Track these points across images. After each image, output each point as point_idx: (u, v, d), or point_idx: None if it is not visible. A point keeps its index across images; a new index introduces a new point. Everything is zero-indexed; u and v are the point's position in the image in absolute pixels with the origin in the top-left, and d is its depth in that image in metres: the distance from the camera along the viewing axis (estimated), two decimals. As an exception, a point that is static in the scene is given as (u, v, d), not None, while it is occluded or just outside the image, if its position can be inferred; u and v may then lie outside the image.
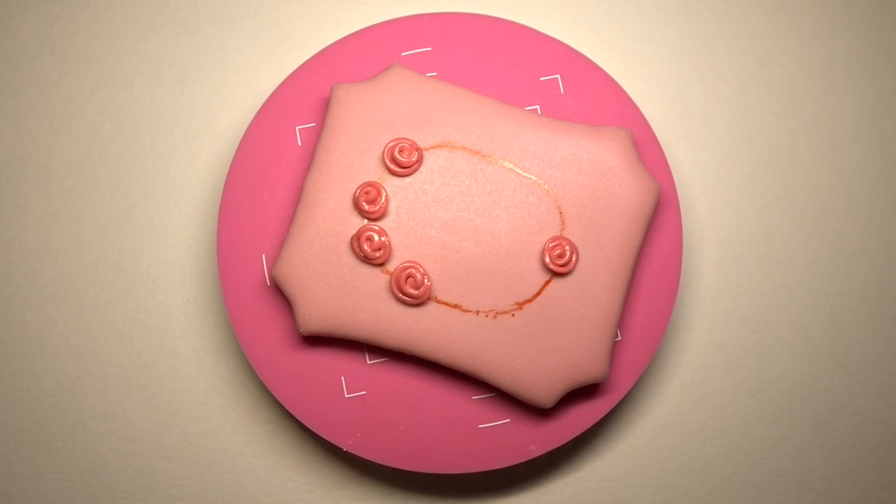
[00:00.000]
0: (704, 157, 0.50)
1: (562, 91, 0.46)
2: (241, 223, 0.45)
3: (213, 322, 0.48)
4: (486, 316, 0.43)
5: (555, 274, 0.43)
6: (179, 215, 0.49)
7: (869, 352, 0.49)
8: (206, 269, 0.49)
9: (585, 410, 0.45)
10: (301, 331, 0.43)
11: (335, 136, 0.44)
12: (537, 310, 0.43)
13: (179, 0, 0.50)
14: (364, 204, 0.43)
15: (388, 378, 0.45)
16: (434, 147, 0.44)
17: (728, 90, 0.50)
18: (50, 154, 0.49)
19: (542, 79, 0.47)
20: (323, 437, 0.44)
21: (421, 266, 0.43)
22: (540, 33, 0.47)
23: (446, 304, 0.43)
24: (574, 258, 0.43)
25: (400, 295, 0.43)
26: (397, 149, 0.44)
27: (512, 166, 0.44)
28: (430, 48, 0.47)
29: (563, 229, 0.44)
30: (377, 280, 0.43)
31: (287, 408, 0.45)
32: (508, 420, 0.45)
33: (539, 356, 0.43)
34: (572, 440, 0.47)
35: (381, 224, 0.44)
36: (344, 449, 0.45)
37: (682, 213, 0.47)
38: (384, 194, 0.44)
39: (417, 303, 0.43)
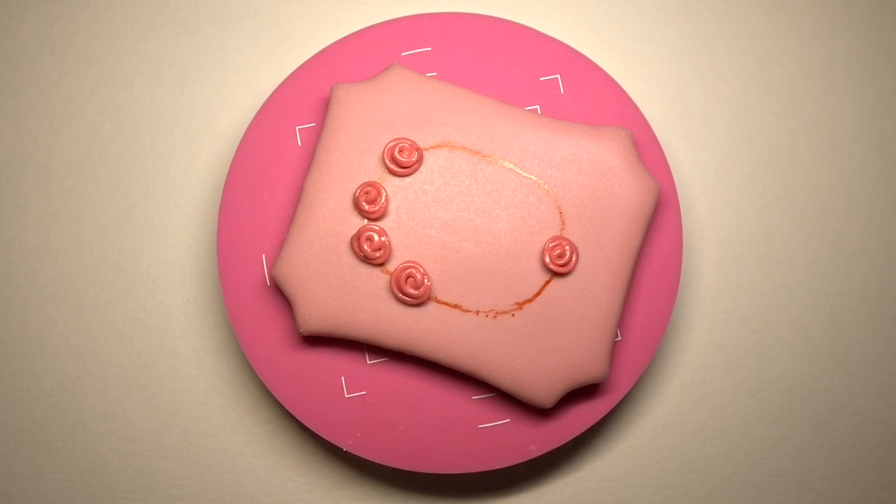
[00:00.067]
0: (704, 157, 0.50)
1: (562, 91, 0.46)
2: (241, 223, 0.45)
3: (213, 322, 0.48)
4: (486, 316, 0.43)
5: (555, 274, 0.43)
6: (179, 215, 0.49)
7: (869, 352, 0.49)
8: (206, 269, 0.49)
9: (585, 410, 0.45)
10: (301, 331, 0.43)
11: (335, 136, 0.44)
12: (537, 310, 0.43)
13: (179, 0, 0.50)
14: (364, 204, 0.43)
15: (388, 378, 0.45)
16: (434, 147, 0.44)
17: (728, 90, 0.50)
18: (50, 154, 0.49)
19: (542, 79, 0.47)
20: (323, 437, 0.44)
21: (421, 266, 0.43)
22: (540, 33, 0.47)
23: (446, 304, 0.43)
24: (574, 258, 0.43)
25: (400, 295, 0.43)
26: (397, 149, 0.44)
27: (512, 166, 0.44)
28: (430, 48, 0.47)
29: (563, 229, 0.44)
30: (377, 280, 0.43)
31: (287, 408, 0.45)
32: (508, 420, 0.45)
33: (539, 356, 0.43)
34: (572, 440, 0.47)
35: (381, 224, 0.44)
36: (344, 449, 0.45)
37: (682, 213, 0.47)
38: (384, 194, 0.44)
39: (417, 303, 0.43)
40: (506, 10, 0.50)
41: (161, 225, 0.49)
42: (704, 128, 0.50)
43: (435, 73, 0.47)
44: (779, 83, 0.50)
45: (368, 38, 0.47)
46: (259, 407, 0.48)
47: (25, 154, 0.49)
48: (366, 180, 0.44)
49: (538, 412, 0.45)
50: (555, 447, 0.45)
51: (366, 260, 0.43)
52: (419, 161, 0.44)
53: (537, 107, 0.46)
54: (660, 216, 0.46)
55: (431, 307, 0.43)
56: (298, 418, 0.44)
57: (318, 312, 0.43)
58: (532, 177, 0.44)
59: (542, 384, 0.43)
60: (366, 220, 0.44)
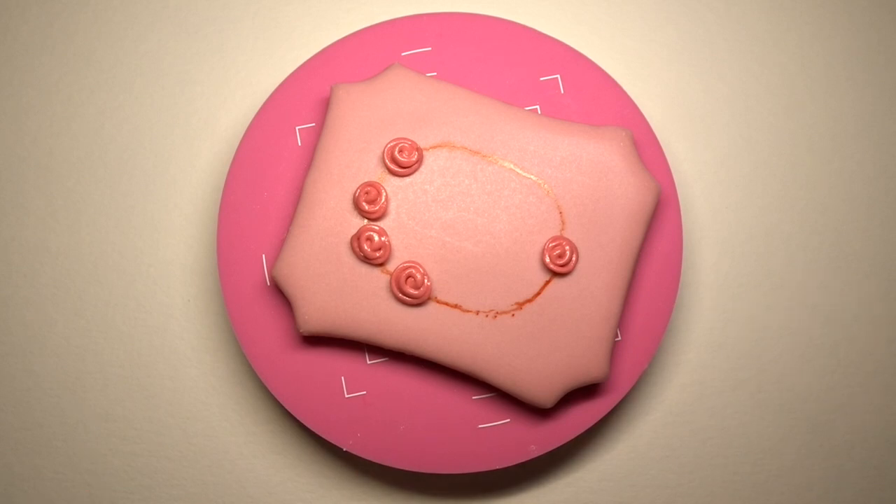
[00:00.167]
0: (704, 157, 0.50)
1: (562, 91, 0.46)
2: (241, 223, 0.45)
3: (213, 322, 0.48)
4: (486, 316, 0.43)
5: (555, 274, 0.43)
6: (179, 215, 0.49)
7: (869, 352, 0.49)
8: (206, 269, 0.49)
9: (585, 410, 0.45)
10: (301, 331, 0.43)
11: (335, 136, 0.44)
12: (537, 310, 0.43)
13: (179, 0, 0.50)
14: (364, 204, 0.43)
15: (388, 378, 0.45)
16: (434, 147, 0.44)
17: (728, 90, 0.50)
18: (50, 154, 0.49)
19: (542, 79, 0.46)
20: (323, 437, 0.44)
21: (421, 266, 0.43)
22: (540, 33, 0.47)
23: (446, 304, 0.43)
24: (574, 258, 0.43)
25: (400, 295, 0.43)
26: (397, 149, 0.44)
27: (512, 166, 0.44)
28: (430, 48, 0.47)
29: (563, 229, 0.44)
30: (377, 280, 0.43)
31: (287, 408, 0.45)
32: (508, 420, 0.45)
33: (539, 356, 0.43)
34: (572, 440, 0.47)
35: (381, 224, 0.44)
36: (344, 449, 0.45)
37: (682, 213, 0.47)
38: (384, 194, 0.44)
39: (417, 303, 0.43)
40: (506, 10, 0.50)
41: (161, 225, 0.49)
42: (704, 128, 0.50)
43: (435, 73, 0.46)
44: (779, 83, 0.50)
45: (368, 38, 0.47)
46: (259, 407, 0.48)
47: (25, 154, 0.49)
48: (366, 180, 0.44)
49: (538, 412, 0.45)
50: (555, 447, 0.45)
51: (366, 260, 0.43)
52: (419, 161, 0.44)
53: (537, 107, 0.46)
54: (660, 216, 0.46)
55: (431, 307, 0.43)
56: (298, 418, 0.44)
57: (318, 312, 0.43)
58: (532, 177, 0.44)
59: (542, 384, 0.43)
60: (366, 220, 0.44)
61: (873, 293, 0.49)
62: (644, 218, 0.44)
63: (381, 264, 0.43)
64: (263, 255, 0.45)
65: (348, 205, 0.44)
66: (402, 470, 0.47)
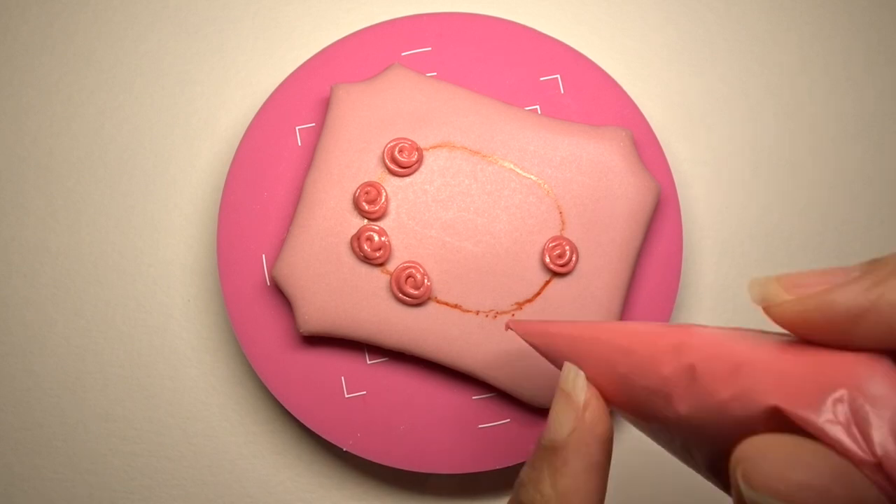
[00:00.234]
0: (704, 157, 0.50)
1: (562, 91, 0.46)
2: (241, 223, 0.45)
3: (213, 322, 0.48)
4: (486, 316, 0.43)
5: (555, 274, 0.43)
6: (179, 215, 0.49)
7: (869, 352, 0.49)
8: (206, 269, 0.49)
9: (585, 410, 0.45)
10: (301, 331, 0.43)
11: (335, 136, 0.44)
12: (537, 310, 0.43)
13: (179, 0, 0.50)
14: (364, 204, 0.43)
15: (388, 378, 0.45)
16: (434, 147, 0.44)
17: (728, 90, 0.50)
18: (50, 154, 0.49)
19: (542, 79, 0.47)
20: (323, 437, 0.44)
21: (421, 266, 0.43)
22: (540, 33, 0.47)
23: (446, 304, 0.43)
24: (574, 258, 0.43)
25: (400, 295, 0.43)
26: (397, 149, 0.44)
27: (512, 166, 0.44)
28: (430, 48, 0.47)
29: (563, 229, 0.44)
30: (377, 280, 0.43)
31: (287, 408, 0.45)
32: (508, 420, 0.45)
33: (539, 356, 0.43)
34: (572, 440, 0.47)
35: (381, 224, 0.44)
36: (344, 449, 0.45)
37: (682, 213, 0.47)
38: (384, 194, 0.44)
39: (417, 303, 0.43)
40: (506, 10, 0.50)
41: (161, 225, 0.49)
42: (704, 128, 0.50)
43: (435, 73, 0.46)
44: (779, 83, 0.50)
45: (368, 38, 0.47)
46: (259, 407, 0.48)
47: (25, 154, 0.49)
48: (366, 180, 0.44)
49: (538, 412, 0.45)
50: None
51: (366, 260, 0.43)
52: (419, 161, 0.44)
53: (537, 107, 0.46)
54: (660, 216, 0.46)
55: (431, 307, 0.43)
56: (298, 418, 0.44)
57: (318, 312, 0.43)
58: (532, 177, 0.44)
59: (542, 384, 0.43)
60: (366, 220, 0.44)
61: (873, 293, 0.49)
62: (644, 218, 0.44)
63: (381, 264, 0.43)
64: (263, 255, 0.45)
65: (348, 205, 0.44)
66: (402, 470, 0.47)
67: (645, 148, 0.46)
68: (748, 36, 0.50)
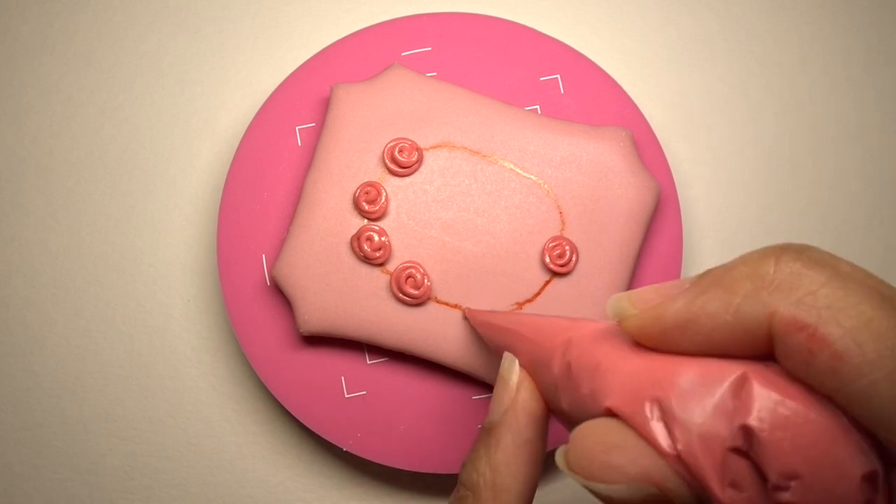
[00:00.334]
0: (704, 157, 0.50)
1: (562, 91, 0.46)
2: (241, 223, 0.45)
3: (213, 322, 0.48)
4: (486, 316, 0.43)
5: (555, 274, 0.43)
6: (179, 215, 0.49)
7: (869, 352, 0.49)
8: (206, 269, 0.49)
9: (585, 410, 0.45)
10: (301, 331, 0.43)
11: (335, 136, 0.44)
12: (537, 310, 0.43)
13: (179, 0, 0.50)
14: (364, 204, 0.43)
15: (388, 378, 0.45)
16: (434, 147, 0.44)
17: (728, 90, 0.50)
18: (50, 154, 0.49)
19: (542, 79, 0.47)
20: (323, 437, 0.44)
21: (421, 266, 0.43)
22: (540, 33, 0.47)
23: (446, 304, 0.43)
24: (574, 258, 0.43)
25: (400, 295, 0.43)
26: (397, 149, 0.44)
27: (512, 166, 0.44)
28: (430, 48, 0.47)
29: (563, 229, 0.44)
30: (377, 280, 0.43)
31: (287, 408, 0.45)
32: (508, 420, 0.45)
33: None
34: (572, 440, 0.47)
35: (381, 224, 0.44)
36: (344, 449, 0.45)
37: (682, 213, 0.47)
38: (384, 194, 0.44)
39: (417, 303, 0.43)
40: (506, 10, 0.50)
41: (161, 225, 0.49)
42: (704, 128, 0.50)
43: (435, 73, 0.46)
44: (779, 83, 0.50)
45: (368, 38, 0.47)
46: (259, 407, 0.48)
47: (25, 154, 0.49)
48: (366, 180, 0.44)
49: (538, 412, 0.45)
50: (555, 447, 0.45)
51: (366, 260, 0.43)
52: (419, 161, 0.44)
53: (537, 107, 0.46)
54: (660, 216, 0.46)
55: (431, 307, 0.43)
56: (298, 418, 0.44)
57: (318, 312, 0.43)
58: (532, 177, 0.44)
59: (542, 384, 0.43)
60: (366, 220, 0.44)
61: (873, 293, 0.49)
62: (644, 218, 0.44)
63: (381, 264, 0.43)
64: (263, 255, 0.45)
65: (348, 205, 0.44)
66: (402, 470, 0.47)
67: (645, 148, 0.46)
68: (748, 36, 0.50)
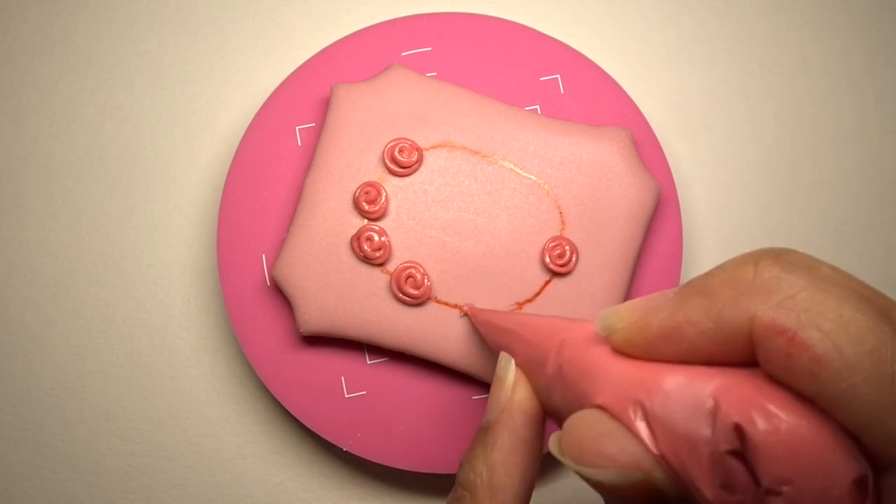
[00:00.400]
0: (704, 157, 0.50)
1: (562, 91, 0.46)
2: (241, 223, 0.45)
3: (213, 322, 0.48)
4: (486, 316, 0.43)
5: (555, 274, 0.43)
6: (179, 215, 0.49)
7: (869, 352, 0.49)
8: (206, 269, 0.49)
9: (585, 410, 0.45)
10: (301, 331, 0.43)
11: (335, 136, 0.44)
12: (537, 310, 0.43)
13: (179, 0, 0.50)
14: (364, 204, 0.43)
15: (388, 378, 0.45)
16: (434, 147, 0.44)
17: (728, 90, 0.50)
18: (50, 154, 0.49)
19: (542, 79, 0.47)
20: (323, 437, 0.44)
21: (421, 266, 0.43)
22: (540, 33, 0.47)
23: (446, 304, 0.43)
24: (574, 258, 0.43)
25: (400, 295, 0.43)
26: (397, 149, 0.44)
27: (512, 166, 0.44)
28: (430, 48, 0.47)
29: (563, 229, 0.44)
30: (377, 280, 0.43)
31: (287, 408, 0.45)
32: (508, 420, 0.45)
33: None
34: (572, 440, 0.47)
35: (381, 224, 0.44)
36: (344, 449, 0.45)
37: (682, 213, 0.47)
38: (384, 194, 0.44)
39: (417, 303, 0.43)
40: (506, 10, 0.50)
41: (161, 225, 0.49)
42: (704, 128, 0.50)
43: (435, 73, 0.46)
44: (779, 83, 0.50)
45: (368, 38, 0.47)
46: (259, 407, 0.48)
47: (25, 154, 0.49)
48: (366, 180, 0.44)
49: (538, 412, 0.45)
50: (555, 447, 0.45)
51: (366, 260, 0.43)
52: (419, 161, 0.44)
53: (537, 107, 0.46)
54: (660, 216, 0.46)
55: (431, 307, 0.43)
56: (298, 418, 0.44)
57: (318, 312, 0.43)
58: (532, 177, 0.44)
59: (542, 384, 0.43)
60: (366, 220, 0.44)
61: (873, 293, 0.49)
62: (644, 218, 0.44)
63: (381, 264, 0.43)
64: (263, 255, 0.45)
65: (348, 205, 0.44)
66: (402, 470, 0.47)
67: (645, 148, 0.46)
68: (748, 36, 0.50)
